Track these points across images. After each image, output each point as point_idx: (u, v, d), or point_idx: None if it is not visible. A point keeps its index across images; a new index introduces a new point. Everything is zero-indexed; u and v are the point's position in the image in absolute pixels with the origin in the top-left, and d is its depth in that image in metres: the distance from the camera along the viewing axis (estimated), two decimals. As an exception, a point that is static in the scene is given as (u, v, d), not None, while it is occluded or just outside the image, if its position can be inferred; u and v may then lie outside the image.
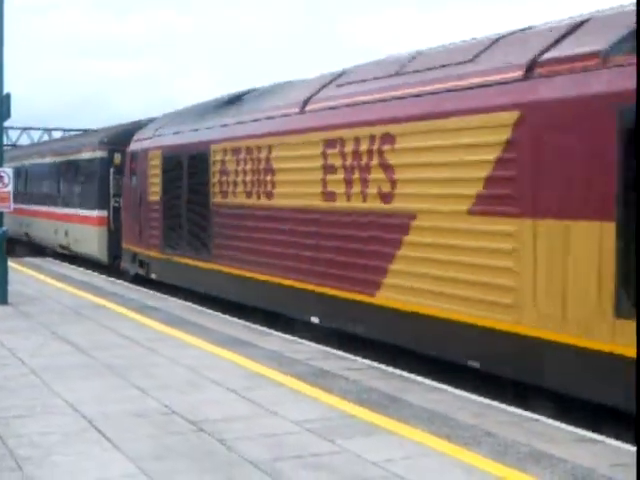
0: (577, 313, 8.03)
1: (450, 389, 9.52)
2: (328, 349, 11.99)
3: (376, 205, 10.98)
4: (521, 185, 8.70)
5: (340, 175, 11.72)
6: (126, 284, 20.20)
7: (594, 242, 7.83)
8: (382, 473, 6.57)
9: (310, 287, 12.45)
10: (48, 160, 27.01)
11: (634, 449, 7.26)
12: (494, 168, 9.05)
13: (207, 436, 7.58)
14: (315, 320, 12.62)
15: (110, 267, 22.14)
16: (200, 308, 16.24)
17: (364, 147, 11.21)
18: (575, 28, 9.06)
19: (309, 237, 12.49)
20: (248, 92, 16.85)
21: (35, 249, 29.23)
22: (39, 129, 58.57)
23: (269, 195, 13.66)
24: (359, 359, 11.24)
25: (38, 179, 28.21)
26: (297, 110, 13.31)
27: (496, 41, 10.23)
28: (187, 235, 15.26)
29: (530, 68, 9.00)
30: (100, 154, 22.86)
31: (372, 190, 11.08)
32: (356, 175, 11.36)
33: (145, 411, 8.43)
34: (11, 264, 19.06)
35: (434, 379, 10.04)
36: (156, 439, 7.45)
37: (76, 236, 24.28)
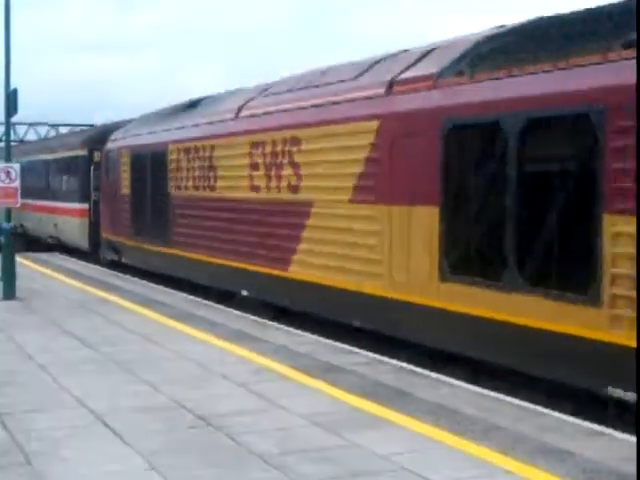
0: (417, 279, 10.40)
1: (457, 383, 9.53)
2: (335, 343, 12.01)
3: (287, 196, 13.36)
4: (381, 179, 11.06)
5: (262, 171, 14.20)
6: (133, 279, 20.25)
7: (426, 223, 10.16)
8: (389, 466, 6.58)
9: (242, 265, 14.86)
10: (39, 157, 28.97)
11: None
12: (364, 166, 11.49)
13: (215, 430, 7.60)
14: (245, 293, 15.10)
15: (92, 254, 24.40)
16: (207, 302, 16.27)
17: (278, 148, 13.63)
18: (425, 54, 11.36)
19: (241, 223, 14.90)
20: (201, 99, 19.16)
21: (30, 240, 30.80)
22: (46, 124, 58.59)
23: (212, 188, 16.12)
24: (363, 352, 11.27)
25: (31, 175, 29.70)
26: (232, 116, 15.87)
27: (375, 62, 12.57)
28: (151, 224, 17.79)
29: (389, 86, 11.38)
30: (82, 152, 25.22)
31: (284, 183, 13.48)
32: (273, 171, 13.80)
33: (154, 406, 8.45)
34: (18, 259, 19.08)
35: (441, 373, 10.05)
36: (165, 434, 7.47)
37: (62, 227, 26.56)
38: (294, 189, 13.21)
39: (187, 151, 17.09)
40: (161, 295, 17.16)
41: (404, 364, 10.50)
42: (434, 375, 9.91)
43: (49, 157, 28.84)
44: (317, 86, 13.58)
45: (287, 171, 13.44)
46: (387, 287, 11.02)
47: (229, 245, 15.32)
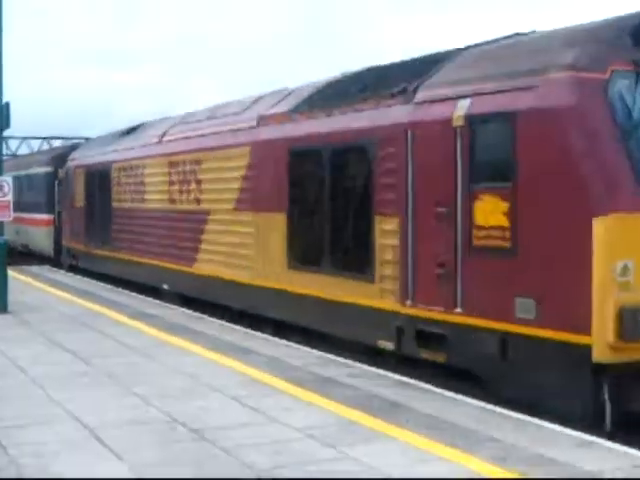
0: (273, 269, 13.51)
1: (451, 395, 9.55)
2: (328, 355, 12.01)
3: (192, 206, 16.73)
4: (252, 192, 14.32)
5: (176, 187, 17.51)
6: (126, 292, 20.24)
7: (279, 226, 13.29)
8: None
9: (163, 264, 18.20)
10: (15, 173, 31.26)
11: (637, 453, 7.26)
12: (242, 181, 14.65)
13: (209, 444, 7.59)
14: (165, 287, 18.30)
15: (55, 260, 27.81)
16: (199, 315, 16.29)
17: (187, 168, 16.98)
18: (288, 94, 14.74)
19: (162, 229, 18.22)
20: (139, 125, 22.59)
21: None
22: (39, 138, 58.48)
23: (141, 201, 19.53)
24: (358, 364, 11.29)
25: None
26: (157, 140, 19.33)
27: (257, 100, 15.94)
28: (99, 232, 20.80)
29: (258, 120, 14.62)
30: (48, 169, 28.92)
31: (191, 196, 16.80)
32: (184, 186, 17.12)
33: (146, 419, 8.44)
34: (9, 272, 19.00)
35: (435, 385, 10.04)
36: (158, 447, 7.46)
37: (32, 236, 30.49)
38: (197, 201, 16.58)
39: (125, 169, 20.62)
40: (154, 308, 17.19)
41: (399, 376, 10.49)
42: (429, 387, 9.92)
43: (22, 173, 32.17)
44: (215, 118, 16.95)
45: (193, 186, 16.80)
46: (254, 277, 14.26)
47: (154, 248, 18.69)
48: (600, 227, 7.56)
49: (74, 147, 28.25)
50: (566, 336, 7.92)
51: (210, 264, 15.93)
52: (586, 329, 7.65)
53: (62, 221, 26.88)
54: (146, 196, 19.24)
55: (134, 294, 19.60)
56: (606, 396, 7.64)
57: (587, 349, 7.62)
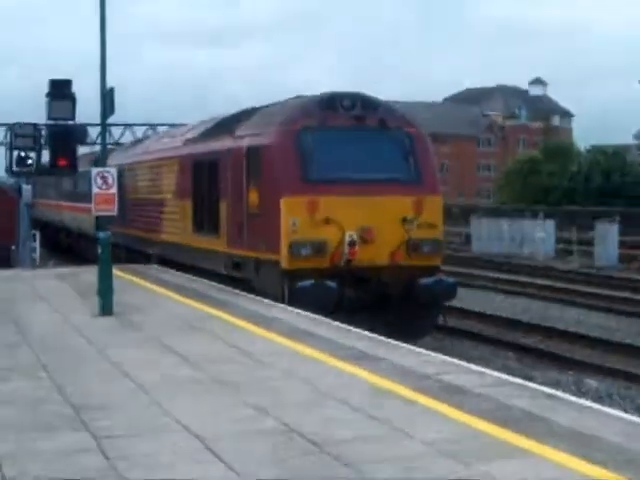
0: (187, 233, 22.75)
1: (596, 406, 9.42)
2: (459, 362, 11.97)
3: (157, 197, 26.93)
4: (178, 187, 24.15)
5: (151, 184, 28.01)
6: (241, 293, 20.33)
7: (189, 208, 23.15)
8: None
9: (148, 236, 28.22)
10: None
11: None
12: (175, 181, 24.52)
13: (331, 458, 7.60)
14: (150, 251, 27.93)
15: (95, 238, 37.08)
16: (322, 319, 16.27)
17: (155, 171, 27.17)
18: (199, 126, 24.36)
19: (148, 212, 28.17)
20: (143, 139, 35.85)
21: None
22: (143, 125, 59.83)
23: (138, 192, 29.94)
24: (488, 371, 11.26)
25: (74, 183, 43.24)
26: (144, 150, 30.38)
27: (193, 126, 26.30)
28: (118, 215, 24.47)
29: (183, 142, 24.61)
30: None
31: (157, 190, 27.09)
32: (154, 183, 27.54)
33: (262, 431, 8.49)
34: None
35: (579, 397, 9.87)
36: (275, 461, 7.51)
37: (80, 221, 40.09)
38: (160, 193, 26.88)
39: (130, 171, 30.92)
40: (270, 310, 17.20)
41: (537, 386, 10.36)
42: (573, 399, 9.77)
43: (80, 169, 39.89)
44: (171, 137, 28.25)
45: (157, 183, 27.42)
46: (182, 239, 24.26)
47: (144, 225, 28.85)
48: (284, 203, 17.60)
49: (111, 150, 37.42)
50: (273, 256, 17.98)
51: (166, 234, 26.34)
52: (279, 252, 17.74)
53: None
54: (139, 190, 30.15)
55: (246, 294, 19.74)
56: (285, 284, 17.50)
57: (279, 262, 17.75)
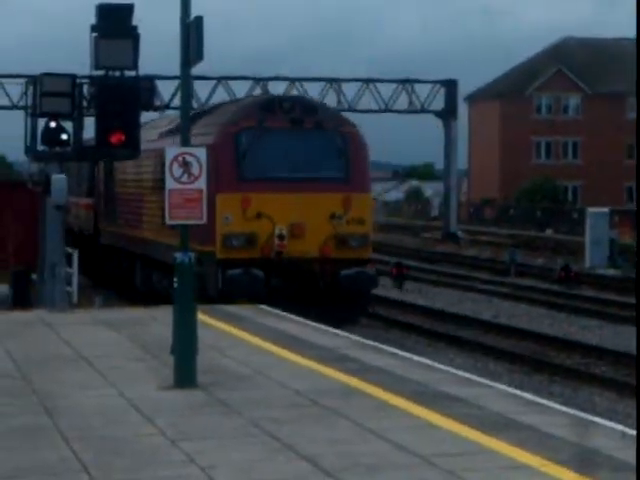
0: (159, 226, 32.79)
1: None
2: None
3: (136, 191, 37.92)
4: (155, 179, 34.28)
5: (136, 177, 38.29)
6: (402, 353, 20.65)
7: (161, 200, 23.30)
8: None
9: (132, 233, 38.15)
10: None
11: None
12: (153, 174, 35.16)
13: None
14: (137, 250, 37.89)
15: (95, 238, 47.51)
16: (536, 400, 16.39)
17: (139, 164, 35.44)
18: (170, 122, 37.07)
19: (134, 209, 38.41)
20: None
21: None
22: (244, 79, 60.18)
23: (123, 187, 40.67)
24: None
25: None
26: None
27: (172, 119, 36.91)
28: (109, 210, 39.04)
29: (158, 135, 36.13)
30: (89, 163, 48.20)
31: (138, 184, 37.84)
32: (138, 177, 37.83)
33: None
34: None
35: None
36: None
37: (79, 218, 50.22)
38: (141, 187, 36.14)
39: (118, 167, 39.96)
40: (452, 384, 17.27)
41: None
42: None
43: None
44: (155, 127, 37.39)
45: (140, 177, 36.44)
46: (156, 235, 33.74)
47: (129, 222, 38.70)
48: (218, 199, 28.39)
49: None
50: (211, 248, 28.75)
51: (143, 228, 35.98)
52: (214, 244, 28.91)
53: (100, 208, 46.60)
54: (126, 183, 39.72)
55: (420, 359, 20.13)
56: (219, 272, 28.41)
57: (214, 253, 28.91)
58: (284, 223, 27.99)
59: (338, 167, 28.92)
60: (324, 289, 28.53)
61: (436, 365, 19.57)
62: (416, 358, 20.32)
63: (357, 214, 28.76)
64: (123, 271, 40.13)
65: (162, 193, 28.74)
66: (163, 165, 27.22)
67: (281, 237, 27.86)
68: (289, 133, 28.47)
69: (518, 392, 17.12)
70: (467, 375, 18.55)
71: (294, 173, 28.53)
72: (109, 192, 42.83)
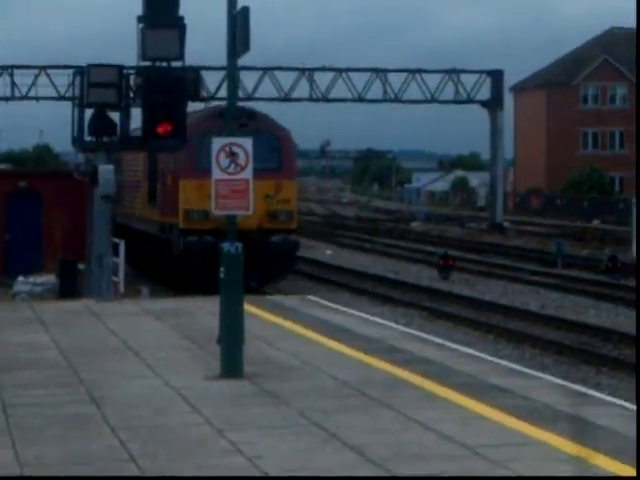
0: (145, 206, 46.10)
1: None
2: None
3: (137, 179, 48.56)
4: (144, 171, 47.00)
5: (135, 168, 49.59)
6: (448, 344, 20.60)
7: (146, 188, 46.08)
8: None
9: (130, 211, 48.79)
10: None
11: None
12: (143, 166, 47.13)
13: None
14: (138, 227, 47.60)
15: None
16: (589, 392, 16.26)
17: (138, 157, 47.23)
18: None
19: (133, 190, 49.84)
20: None
21: None
22: (293, 69, 60.10)
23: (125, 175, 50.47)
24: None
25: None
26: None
27: None
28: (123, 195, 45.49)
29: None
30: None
31: (139, 175, 48.46)
32: (137, 169, 48.68)
33: None
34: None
35: None
36: None
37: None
38: (139, 176, 46.89)
39: (123, 158, 47.06)
40: (500, 375, 17.19)
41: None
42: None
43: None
44: None
45: (136, 164, 47.08)
46: (141, 212, 45.99)
47: (129, 202, 48.21)
48: (181, 184, 38.99)
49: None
50: (175, 220, 39.16)
51: (138, 209, 45.59)
52: (178, 217, 39.12)
53: None
54: (126, 174, 48.07)
55: (469, 351, 20.02)
56: (181, 239, 38.27)
57: (178, 224, 39.20)
58: None
59: (272, 160, 38.02)
60: (259, 252, 36.35)
61: (483, 356, 19.54)
62: (463, 349, 20.27)
63: (285, 195, 38.74)
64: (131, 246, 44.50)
65: (146, 180, 44.97)
66: (148, 158, 42.78)
67: None
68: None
69: (565, 383, 17.01)
70: (514, 366, 18.57)
71: None
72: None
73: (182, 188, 38.23)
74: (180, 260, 38.96)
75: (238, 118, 34.65)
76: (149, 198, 44.68)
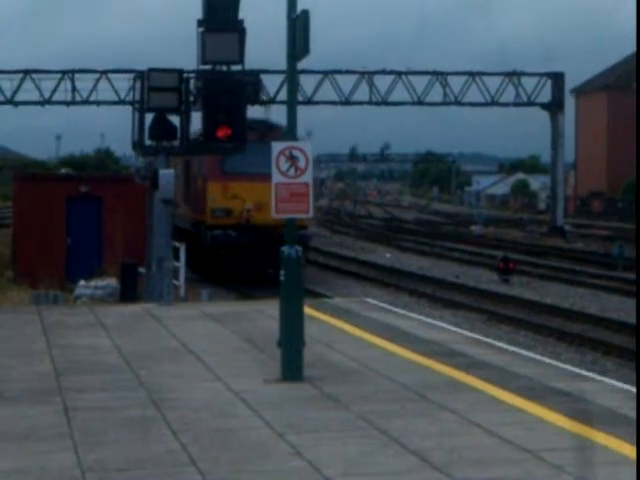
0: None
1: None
2: None
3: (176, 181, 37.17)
4: (180, 174, 41.58)
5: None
6: (509, 348, 20.52)
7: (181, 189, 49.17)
8: None
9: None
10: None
11: None
12: (179, 170, 44.80)
13: None
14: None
15: None
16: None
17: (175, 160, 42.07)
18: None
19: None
20: None
21: None
22: (353, 72, 59.92)
23: None
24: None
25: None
26: None
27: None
28: None
29: None
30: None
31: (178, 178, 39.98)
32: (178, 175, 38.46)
33: None
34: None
35: None
36: None
37: None
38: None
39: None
40: (561, 379, 17.08)
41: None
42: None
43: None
44: None
45: (178, 172, 37.85)
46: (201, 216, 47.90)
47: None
48: (208, 185, 44.97)
49: None
50: (203, 217, 45.29)
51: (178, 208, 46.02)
52: (205, 214, 45.32)
53: None
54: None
55: (533, 355, 19.94)
56: (208, 233, 44.09)
57: (205, 220, 45.36)
58: (251, 202, 42.94)
59: None
60: (276, 244, 41.49)
61: (544, 360, 19.40)
62: (524, 353, 20.13)
63: None
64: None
65: (183, 183, 46.85)
66: (185, 163, 47.76)
67: (249, 211, 43.06)
68: (255, 144, 35.08)
69: (627, 387, 16.88)
70: (576, 370, 18.42)
71: (257, 169, 39.06)
72: None
73: (209, 189, 43.67)
74: (207, 250, 44.14)
75: (259, 130, 41.51)
76: (185, 198, 49.08)
